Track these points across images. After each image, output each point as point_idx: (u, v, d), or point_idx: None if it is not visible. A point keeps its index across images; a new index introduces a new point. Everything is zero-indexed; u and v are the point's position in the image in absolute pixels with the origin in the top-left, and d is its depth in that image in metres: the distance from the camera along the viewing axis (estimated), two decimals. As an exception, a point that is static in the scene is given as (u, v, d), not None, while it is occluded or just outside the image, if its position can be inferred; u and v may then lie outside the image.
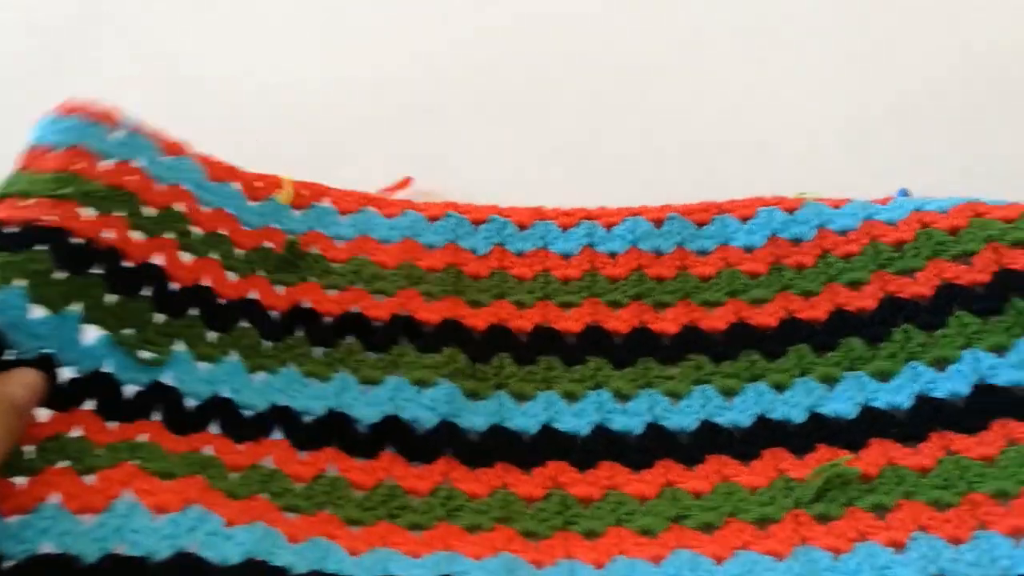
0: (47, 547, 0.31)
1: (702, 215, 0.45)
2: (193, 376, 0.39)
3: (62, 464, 0.33)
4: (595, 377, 0.42)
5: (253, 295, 0.42)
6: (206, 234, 0.42)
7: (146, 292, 0.39)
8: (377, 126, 0.53)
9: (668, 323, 0.43)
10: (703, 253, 0.45)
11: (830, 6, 0.56)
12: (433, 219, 0.46)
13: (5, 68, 0.57)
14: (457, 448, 0.40)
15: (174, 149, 0.42)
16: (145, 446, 0.35)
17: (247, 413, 0.39)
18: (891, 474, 0.37)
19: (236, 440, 0.38)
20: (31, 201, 0.36)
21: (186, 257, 0.41)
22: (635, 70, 0.55)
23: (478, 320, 0.43)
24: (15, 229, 0.35)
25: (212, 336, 0.40)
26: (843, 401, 0.40)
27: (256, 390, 0.40)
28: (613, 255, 0.44)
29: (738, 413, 0.40)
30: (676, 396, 0.41)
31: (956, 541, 0.35)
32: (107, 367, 0.36)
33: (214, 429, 0.38)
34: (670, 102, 0.53)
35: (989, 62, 0.52)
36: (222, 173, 0.44)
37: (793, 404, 0.40)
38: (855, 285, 0.42)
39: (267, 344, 0.41)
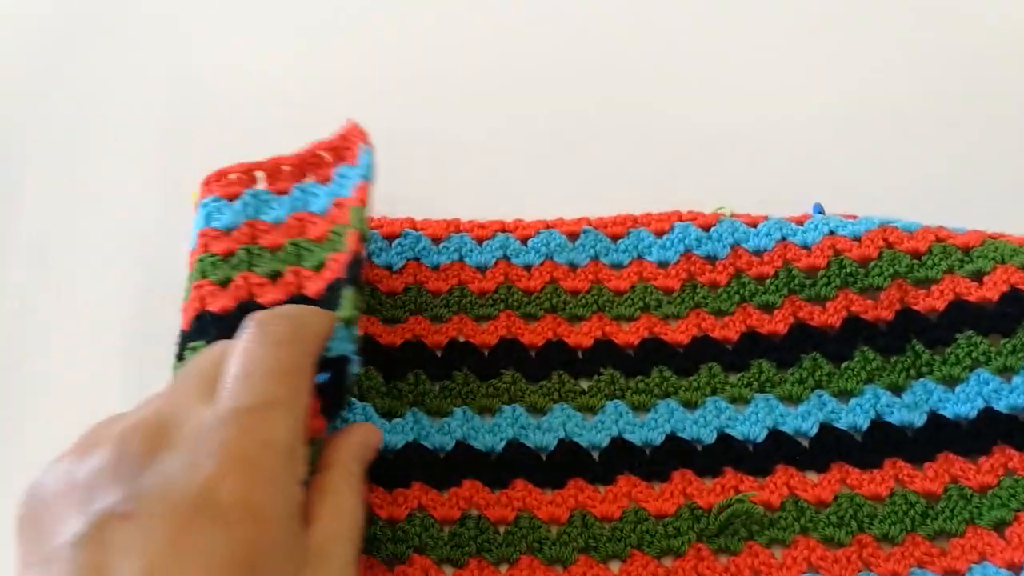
0: None
1: (617, 228, 0.44)
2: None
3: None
4: (509, 391, 0.41)
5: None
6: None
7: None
8: (375, 127, 0.50)
9: (582, 336, 0.42)
10: (617, 267, 0.44)
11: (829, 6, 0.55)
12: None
13: (5, 68, 0.56)
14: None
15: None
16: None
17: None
18: (792, 507, 0.38)
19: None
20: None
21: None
22: (635, 71, 0.53)
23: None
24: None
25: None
26: (752, 423, 0.40)
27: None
28: (528, 267, 0.43)
29: (649, 430, 0.40)
30: (590, 411, 0.41)
31: None
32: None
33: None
34: (668, 104, 0.52)
35: (987, 62, 0.52)
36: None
37: (703, 424, 0.40)
38: (767, 308, 0.42)
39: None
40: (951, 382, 0.40)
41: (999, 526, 0.37)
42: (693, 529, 0.38)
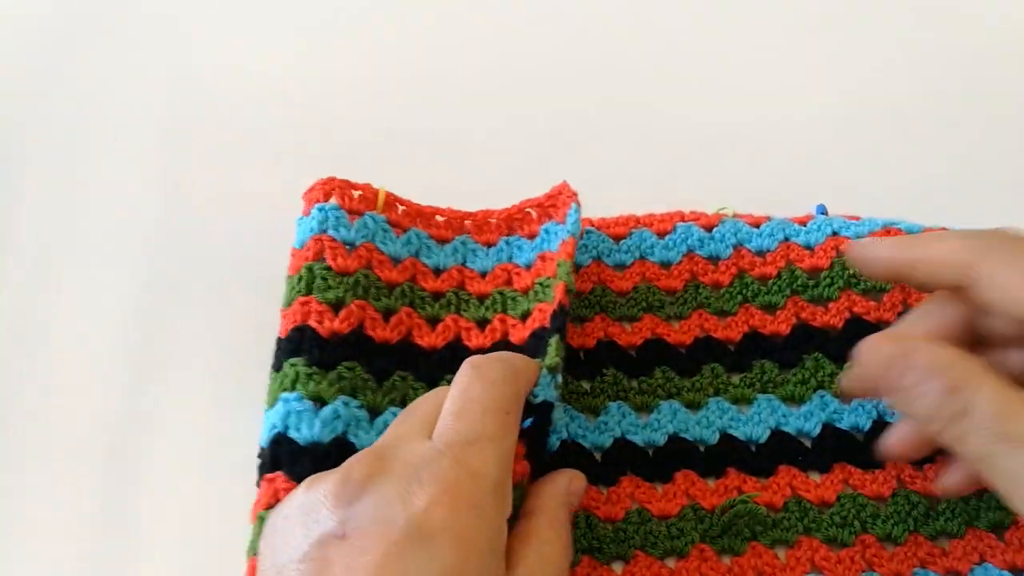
0: None
1: (620, 229, 0.44)
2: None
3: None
4: None
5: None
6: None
7: None
8: (375, 127, 0.52)
9: (585, 337, 0.42)
10: (620, 267, 0.44)
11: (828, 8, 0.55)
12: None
13: (5, 68, 0.56)
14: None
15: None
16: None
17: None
18: (795, 507, 0.38)
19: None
20: None
21: None
22: (636, 71, 0.53)
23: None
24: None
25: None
26: (755, 424, 0.40)
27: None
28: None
29: (651, 431, 0.40)
30: (592, 412, 0.41)
31: None
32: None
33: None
34: (668, 104, 0.52)
35: (987, 62, 0.52)
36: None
37: (706, 425, 0.40)
38: (770, 309, 0.42)
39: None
40: None
41: (997, 528, 0.37)
42: (696, 530, 0.38)
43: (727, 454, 0.39)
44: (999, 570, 0.36)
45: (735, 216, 0.44)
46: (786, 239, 0.43)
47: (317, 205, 0.41)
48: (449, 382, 0.37)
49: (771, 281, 0.43)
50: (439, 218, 0.44)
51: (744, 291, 0.43)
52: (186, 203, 0.50)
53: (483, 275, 0.43)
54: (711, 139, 0.50)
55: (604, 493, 0.39)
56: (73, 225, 0.50)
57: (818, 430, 0.39)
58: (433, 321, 0.41)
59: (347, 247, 0.41)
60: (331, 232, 0.41)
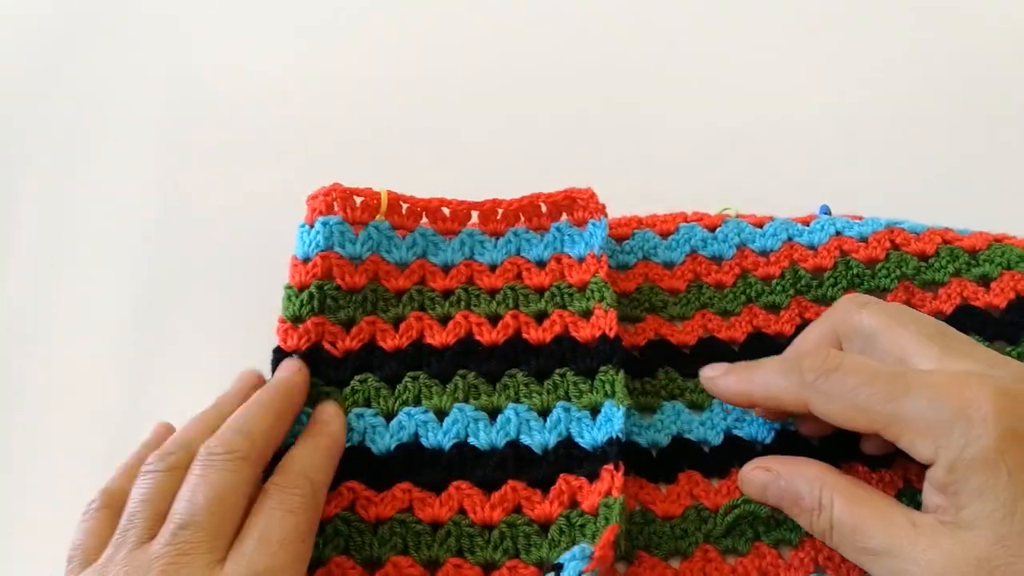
0: None
1: (623, 230, 0.44)
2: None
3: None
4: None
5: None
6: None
7: None
8: (374, 126, 0.52)
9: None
10: (623, 268, 0.44)
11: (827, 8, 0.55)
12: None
13: (5, 68, 0.56)
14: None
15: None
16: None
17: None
18: None
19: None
20: None
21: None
22: (636, 72, 0.53)
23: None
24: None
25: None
26: (759, 424, 0.40)
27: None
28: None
29: (655, 432, 0.40)
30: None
31: None
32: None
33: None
34: (669, 106, 0.52)
35: (989, 62, 0.52)
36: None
37: (710, 426, 0.40)
38: (773, 309, 0.42)
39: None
40: None
41: None
42: (700, 530, 0.37)
43: (731, 454, 0.39)
44: None
45: (738, 216, 0.44)
46: (789, 239, 0.43)
47: (321, 219, 0.42)
48: (463, 376, 0.40)
49: (774, 281, 0.43)
50: (444, 210, 0.44)
51: (747, 291, 0.42)
52: (186, 203, 0.50)
53: (492, 268, 0.43)
54: (712, 140, 0.50)
55: None
56: (73, 225, 0.50)
57: None
58: (444, 320, 0.42)
59: (354, 263, 0.42)
60: (338, 249, 0.41)
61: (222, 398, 0.39)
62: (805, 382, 0.34)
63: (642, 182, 0.49)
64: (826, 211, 0.44)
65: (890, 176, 0.48)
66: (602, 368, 0.39)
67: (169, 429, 0.38)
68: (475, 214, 0.44)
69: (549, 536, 0.36)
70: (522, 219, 0.44)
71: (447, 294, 0.42)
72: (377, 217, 0.43)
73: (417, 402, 0.39)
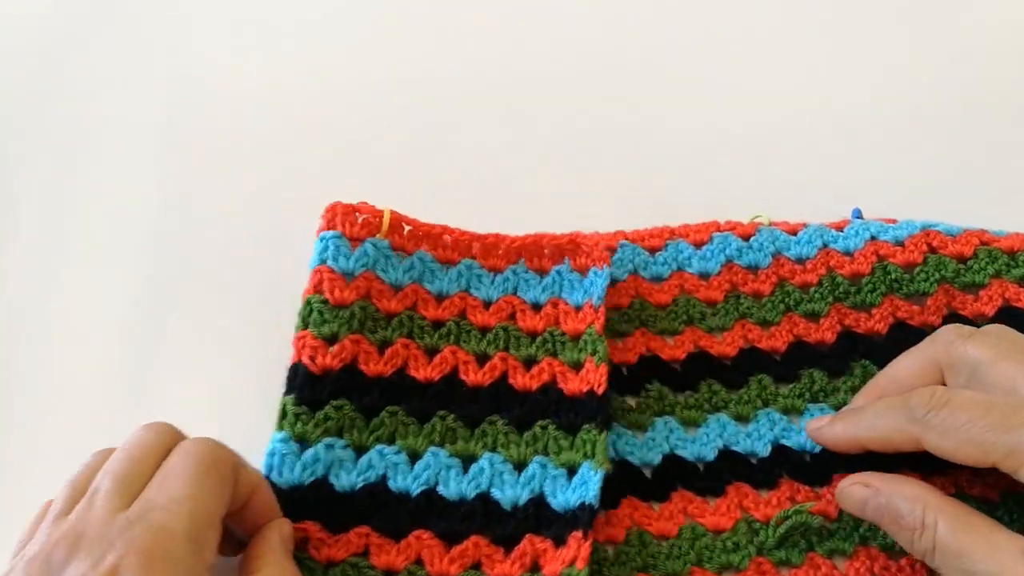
0: None
1: (655, 241, 0.44)
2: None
3: None
4: None
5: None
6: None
7: None
8: (374, 128, 0.51)
9: (627, 352, 0.42)
10: (658, 280, 0.43)
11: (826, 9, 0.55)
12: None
13: (5, 68, 0.55)
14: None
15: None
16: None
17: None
18: (850, 516, 0.38)
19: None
20: None
21: None
22: (643, 77, 0.53)
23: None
24: None
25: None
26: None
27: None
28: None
29: (701, 446, 0.39)
30: (639, 428, 0.40)
31: None
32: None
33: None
34: (672, 110, 0.52)
35: (987, 64, 0.52)
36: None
37: (757, 437, 0.40)
38: (813, 317, 0.42)
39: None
40: None
41: None
42: (752, 543, 0.37)
43: (780, 465, 0.39)
44: None
45: (771, 224, 0.44)
46: (824, 245, 0.43)
47: (321, 234, 0.41)
48: (442, 418, 0.39)
49: (812, 289, 0.42)
50: (447, 238, 0.43)
51: (786, 300, 0.42)
52: (186, 203, 0.49)
53: (487, 305, 0.42)
54: (713, 141, 0.50)
55: (656, 510, 0.38)
56: (73, 225, 0.49)
57: None
58: (431, 352, 0.41)
59: (346, 278, 0.41)
60: (331, 263, 0.40)
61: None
62: (915, 418, 0.34)
63: (645, 184, 0.48)
64: (858, 215, 0.44)
65: (890, 177, 0.48)
66: (585, 426, 0.38)
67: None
68: (476, 246, 0.43)
69: None
70: (523, 258, 0.43)
71: (437, 325, 0.41)
72: (377, 235, 0.42)
73: (391, 440, 0.38)
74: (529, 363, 0.40)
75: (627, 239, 0.44)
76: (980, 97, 0.50)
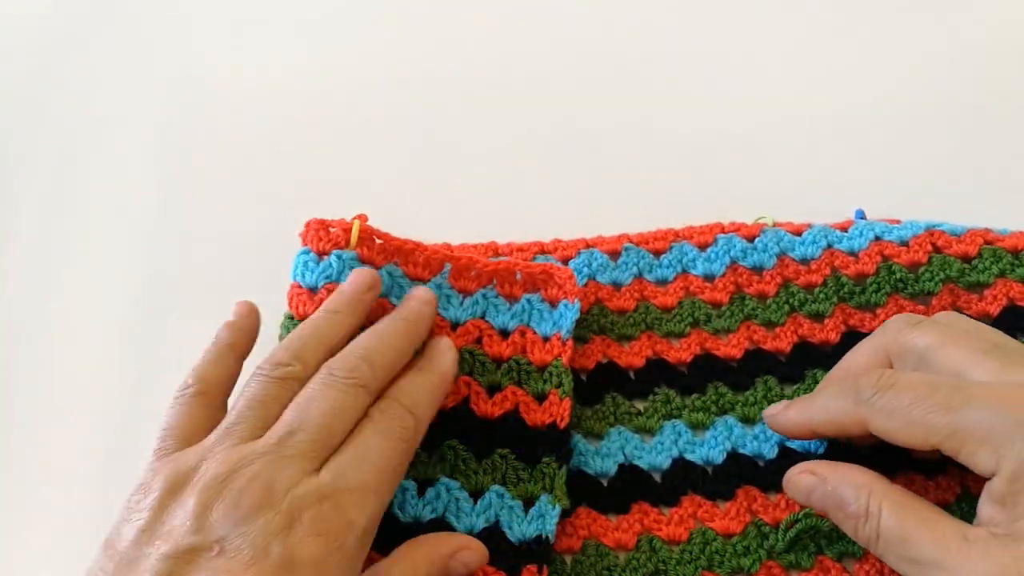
0: None
1: (659, 243, 0.44)
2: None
3: None
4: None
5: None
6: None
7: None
8: (375, 129, 0.51)
9: (633, 356, 0.42)
10: (662, 283, 0.43)
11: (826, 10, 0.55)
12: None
13: (4, 68, 0.56)
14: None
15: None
16: None
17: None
18: None
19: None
20: None
21: None
22: (644, 81, 0.53)
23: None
24: None
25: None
26: None
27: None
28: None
29: (709, 449, 0.40)
30: (648, 432, 0.40)
31: None
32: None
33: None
34: (666, 108, 0.51)
35: (987, 63, 0.52)
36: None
37: (764, 439, 0.40)
38: (818, 317, 0.42)
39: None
40: None
41: None
42: (763, 547, 0.37)
43: (787, 467, 0.38)
44: None
45: (775, 225, 0.44)
46: (829, 246, 0.43)
47: (299, 250, 0.40)
48: None
49: (817, 289, 0.42)
50: (419, 254, 0.41)
51: (791, 300, 0.42)
52: (186, 203, 0.49)
53: (454, 327, 0.41)
54: (712, 142, 0.49)
55: (666, 515, 0.38)
56: (73, 225, 0.49)
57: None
58: None
59: (311, 292, 0.40)
60: (298, 279, 0.40)
61: (333, 313, 0.38)
62: (862, 400, 0.34)
63: (648, 186, 0.48)
64: (861, 215, 0.44)
65: (893, 177, 0.48)
66: (545, 459, 0.38)
67: (252, 309, 0.39)
68: (448, 266, 0.42)
69: None
70: (495, 282, 0.42)
71: None
72: (347, 248, 0.41)
73: None
74: (492, 390, 0.40)
75: (631, 242, 0.44)
76: (983, 96, 0.50)
